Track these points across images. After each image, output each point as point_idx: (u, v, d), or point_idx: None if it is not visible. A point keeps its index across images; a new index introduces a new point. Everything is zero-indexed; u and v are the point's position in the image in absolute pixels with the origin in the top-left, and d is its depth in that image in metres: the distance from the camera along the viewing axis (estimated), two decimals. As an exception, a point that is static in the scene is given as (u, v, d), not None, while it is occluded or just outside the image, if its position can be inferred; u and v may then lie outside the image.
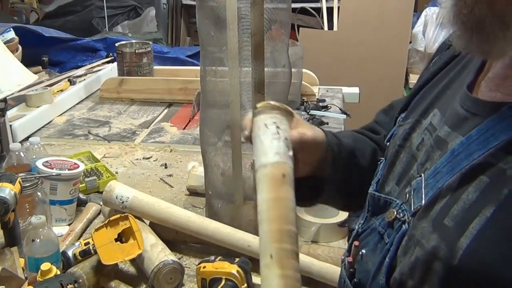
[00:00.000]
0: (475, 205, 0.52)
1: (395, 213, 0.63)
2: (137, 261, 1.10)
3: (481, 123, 0.55)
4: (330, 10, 3.60)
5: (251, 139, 0.68)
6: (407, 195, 0.62)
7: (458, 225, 0.52)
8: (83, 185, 1.40)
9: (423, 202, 0.58)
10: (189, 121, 1.94)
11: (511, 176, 0.50)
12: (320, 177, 0.79)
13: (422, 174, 0.61)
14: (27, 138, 1.67)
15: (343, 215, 1.23)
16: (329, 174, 0.79)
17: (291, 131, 0.68)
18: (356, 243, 0.71)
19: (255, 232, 1.14)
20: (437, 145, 0.61)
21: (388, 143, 0.77)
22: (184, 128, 1.90)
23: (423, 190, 0.59)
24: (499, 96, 0.57)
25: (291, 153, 0.64)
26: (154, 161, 1.65)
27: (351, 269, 0.71)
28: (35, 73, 1.75)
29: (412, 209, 0.60)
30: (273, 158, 0.62)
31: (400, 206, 0.64)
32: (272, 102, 0.67)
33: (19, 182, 1.08)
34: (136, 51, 2.22)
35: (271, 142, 0.63)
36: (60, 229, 1.23)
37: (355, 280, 0.69)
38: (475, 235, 0.50)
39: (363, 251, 0.69)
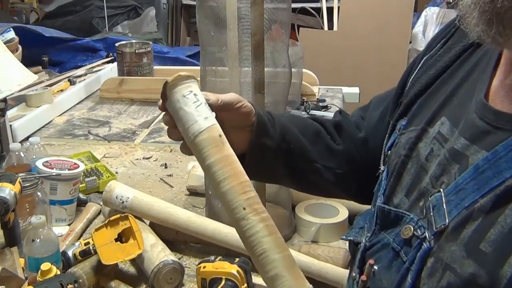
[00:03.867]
0: None
1: (412, 229, 0.60)
2: (137, 261, 1.10)
3: (507, 138, 0.52)
4: (330, 10, 3.60)
5: (166, 109, 0.73)
6: (424, 211, 0.59)
7: (498, 252, 0.50)
8: (83, 185, 1.40)
9: (447, 220, 0.55)
10: (189, 121, 1.94)
11: None
12: (261, 144, 0.82)
13: (441, 190, 0.58)
14: (27, 138, 1.67)
15: (343, 215, 1.24)
16: (267, 140, 0.82)
17: (208, 94, 0.74)
18: (371, 261, 0.67)
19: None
20: (453, 158, 0.58)
21: (389, 152, 0.74)
22: (184, 128, 1.90)
23: (444, 207, 0.56)
24: None
25: (213, 113, 0.69)
26: (154, 161, 1.65)
27: None
28: (35, 73, 1.75)
29: (434, 228, 0.57)
30: (205, 123, 0.66)
31: (416, 222, 0.60)
32: (182, 73, 0.70)
33: (19, 182, 1.08)
34: (136, 51, 2.22)
35: (196, 110, 0.66)
36: (60, 229, 1.23)
37: None
38: None
39: (375, 267, 0.66)
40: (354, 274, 0.71)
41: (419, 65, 0.76)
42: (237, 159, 0.66)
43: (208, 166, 0.65)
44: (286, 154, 0.85)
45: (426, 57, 0.76)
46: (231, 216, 0.62)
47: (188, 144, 0.70)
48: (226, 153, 0.65)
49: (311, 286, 0.62)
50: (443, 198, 0.57)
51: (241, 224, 0.60)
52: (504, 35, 0.50)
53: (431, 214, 0.58)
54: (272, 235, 0.61)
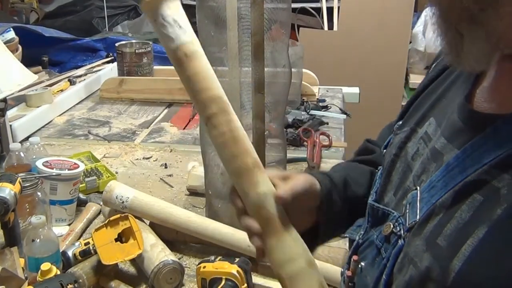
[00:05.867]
0: (468, 225, 0.50)
1: (392, 226, 0.62)
2: (137, 261, 1.10)
3: (475, 137, 0.54)
4: (330, 10, 3.60)
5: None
6: (404, 208, 0.61)
7: (450, 246, 0.51)
8: (83, 185, 1.40)
9: (418, 217, 0.57)
10: (189, 121, 1.94)
11: (504, 195, 0.48)
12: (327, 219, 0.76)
13: (418, 187, 0.59)
14: (27, 138, 1.67)
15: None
16: (332, 214, 0.77)
17: (278, 185, 0.67)
18: (355, 257, 0.69)
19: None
20: (433, 157, 0.60)
21: (384, 151, 0.76)
22: (184, 128, 1.90)
23: (418, 204, 0.58)
24: (494, 107, 0.56)
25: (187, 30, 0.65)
26: (154, 161, 1.65)
27: (350, 283, 0.69)
28: (35, 73, 1.75)
29: (407, 224, 0.59)
30: (173, 44, 0.64)
31: (397, 219, 0.62)
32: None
33: (19, 182, 1.08)
34: (136, 51, 2.22)
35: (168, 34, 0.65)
36: (60, 229, 1.23)
37: None
38: (467, 257, 0.49)
39: (362, 263, 0.67)
40: (342, 270, 0.73)
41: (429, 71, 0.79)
42: (206, 73, 0.66)
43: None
44: (350, 210, 0.80)
45: (434, 64, 0.77)
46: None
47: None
48: (190, 72, 0.65)
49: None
50: (418, 196, 0.58)
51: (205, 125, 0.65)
52: (466, 55, 0.54)
53: (407, 211, 0.60)
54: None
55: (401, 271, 0.58)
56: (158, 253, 1.06)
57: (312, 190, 0.73)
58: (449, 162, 0.55)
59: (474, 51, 0.52)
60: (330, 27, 3.55)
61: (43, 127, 1.89)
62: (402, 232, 0.60)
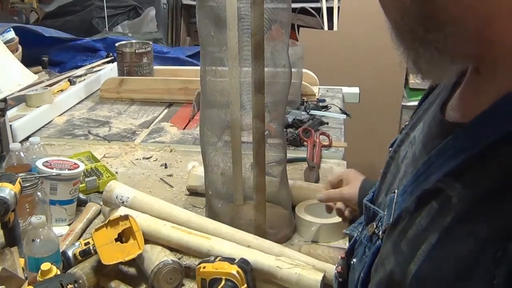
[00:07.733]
0: (424, 232, 0.52)
1: (375, 226, 0.65)
2: (137, 261, 1.10)
3: (439, 145, 0.55)
4: (330, 10, 3.60)
5: None
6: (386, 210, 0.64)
7: (409, 251, 0.53)
8: (83, 185, 1.40)
9: (391, 220, 0.59)
10: (189, 121, 1.94)
11: (455, 204, 0.49)
12: None
13: (396, 190, 0.61)
14: (27, 138, 1.67)
15: (343, 215, 1.23)
16: None
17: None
18: (342, 255, 0.73)
19: (255, 232, 1.14)
20: (412, 161, 0.62)
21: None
22: (184, 128, 1.90)
23: (393, 207, 0.60)
24: (458, 116, 0.57)
25: None
26: (154, 161, 1.65)
27: (339, 279, 0.73)
28: (35, 73, 1.75)
29: (383, 226, 0.61)
30: None
31: (380, 219, 0.64)
32: None
33: (19, 182, 1.08)
34: (136, 51, 2.22)
35: None
36: (60, 229, 1.23)
37: None
38: (421, 262, 0.51)
39: (355, 260, 0.70)
40: (336, 265, 0.76)
41: None
42: None
43: None
44: None
45: None
46: None
47: None
48: None
49: None
50: (395, 199, 0.60)
51: None
52: (427, 72, 0.56)
53: (385, 213, 0.62)
54: None
55: (376, 271, 0.60)
56: (158, 253, 1.06)
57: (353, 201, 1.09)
58: (419, 168, 0.57)
59: (433, 68, 0.54)
60: (330, 27, 3.55)
61: (43, 127, 1.89)
62: (380, 233, 0.62)
